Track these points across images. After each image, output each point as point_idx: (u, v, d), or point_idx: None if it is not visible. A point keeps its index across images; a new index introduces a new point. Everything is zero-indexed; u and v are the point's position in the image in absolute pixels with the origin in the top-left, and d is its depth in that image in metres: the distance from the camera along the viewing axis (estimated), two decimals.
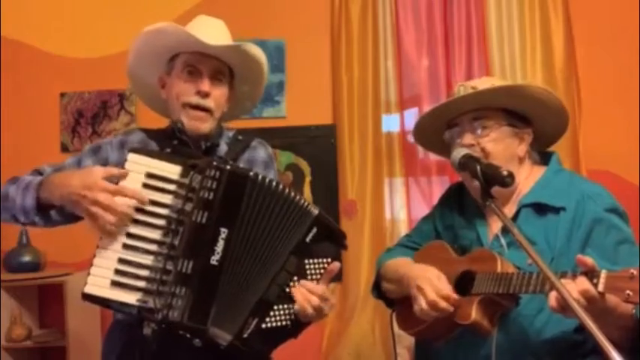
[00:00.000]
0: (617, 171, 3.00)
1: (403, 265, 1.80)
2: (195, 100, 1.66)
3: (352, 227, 3.10)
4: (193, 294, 1.41)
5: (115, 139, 1.75)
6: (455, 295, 1.59)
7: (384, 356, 2.99)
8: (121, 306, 1.42)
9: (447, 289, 1.60)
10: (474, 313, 1.56)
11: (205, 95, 1.67)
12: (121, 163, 1.51)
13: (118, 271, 1.41)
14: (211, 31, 1.70)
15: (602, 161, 3.01)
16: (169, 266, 1.42)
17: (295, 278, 1.51)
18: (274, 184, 1.50)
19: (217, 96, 1.70)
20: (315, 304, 1.49)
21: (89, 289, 1.40)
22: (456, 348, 1.67)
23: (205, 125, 1.68)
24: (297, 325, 1.52)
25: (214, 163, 1.46)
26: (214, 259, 1.43)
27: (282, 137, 3.20)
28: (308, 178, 3.19)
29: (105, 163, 1.65)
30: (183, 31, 1.64)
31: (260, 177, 1.49)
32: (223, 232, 1.44)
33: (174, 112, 1.71)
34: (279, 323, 1.48)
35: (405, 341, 2.61)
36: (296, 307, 1.49)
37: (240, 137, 1.81)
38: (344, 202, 3.14)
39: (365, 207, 3.12)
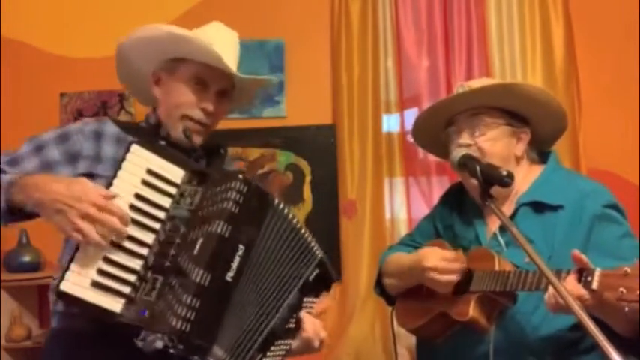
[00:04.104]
0: (617, 171, 3.00)
1: (403, 257, 1.81)
2: (198, 115, 1.58)
3: (352, 227, 3.10)
4: (206, 308, 1.30)
5: (86, 127, 1.56)
6: (460, 253, 1.64)
7: (384, 356, 2.99)
8: (102, 312, 1.28)
9: (450, 253, 1.66)
10: (472, 311, 1.58)
11: (209, 114, 1.59)
12: (95, 157, 1.49)
13: (102, 272, 1.30)
14: (228, 49, 1.61)
15: (602, 161, 3.02)
16: (156, 274, 1.32)
17: (294, 315, 1.51)
18: (291, 214, 1.47)
19: (219, 112, 1.63)
20: (323, 338, 1.54)
21: (66, 287, 1.27)
22: (454, 345, 1.68)
23: (200, 139, 1.61)
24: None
25: (240, 176, 1.38)
26: (229, 275, 1.35)
27: (282, 137, 3.20)
28: (308, 178, 3.19)
29: (76, 155, 1.52)
30: (212, 50, 1.54)
31: (278, 201, 1.45)
32: (241, 248, 1.37)
33: (169, 117, 1.60)
34: (276, 359, 1.48)
35: (406, 341, 2.62)
36: (303, 335, 1.51)
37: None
38: (344, 202, 3.14)
39: (365, 207, 3.12)
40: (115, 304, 1.29)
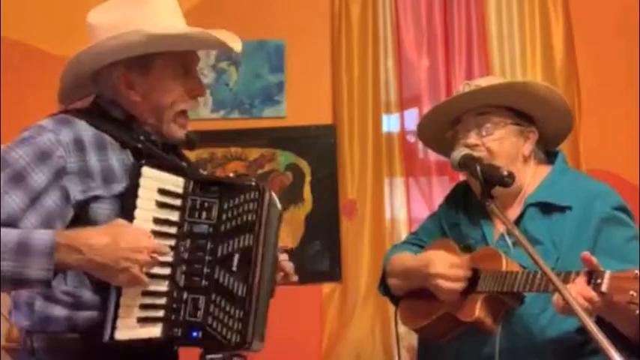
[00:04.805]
0: (617, 171, 2.99)
1: (408, 258, 1.81)
2: (192, 104, 1.51)
3: (352, 227, 3.10)
4: (249, 315, 1.37)
5: (61, 136, 1.37)
6: (466, 259, 1.63)
7: (384, 356, 2.99)
8: (146, 342, 1.31)
9: (458, 259, 1.65)
10: (478, 311, 1.57)
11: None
12: (82, 171, 1.35)
13: (142, 306, 1.31)
14: (178, 18, 1.52)
15: (602, 161, 3.01)
16: (195, 294, 1.35)
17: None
18: (274, 194, 1.50)
19: None
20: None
21: (120, 335, 1.28)
22: (459, 346, 1.68)
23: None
24: None
25: (253, 184, 1.42)
26: (257, 277, 1.39)
27: (282, 137, 3.19)
28: (308, 178, 3.19)
29: (61, 172, 1.34)
30: (215, 38, 1.45)
31: (273, 194, 1.48)
32: (260, 249, 1.41)
33: (160, 118, 1.47)
34: None
35: (406, 341, 2.61)
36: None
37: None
38: (344, 202, 3.14)
39: (365, 207, 3.11)
40: (154, 331, 1.32)
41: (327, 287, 3.08)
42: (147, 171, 1.35)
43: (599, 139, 3.06)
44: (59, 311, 1.36)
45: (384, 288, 1.94)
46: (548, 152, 1.79)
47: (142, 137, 1.45)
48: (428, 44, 3.22)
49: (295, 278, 1.64)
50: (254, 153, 3.18)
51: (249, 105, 3.19)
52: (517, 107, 1.70)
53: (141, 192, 1.33)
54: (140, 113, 1.48)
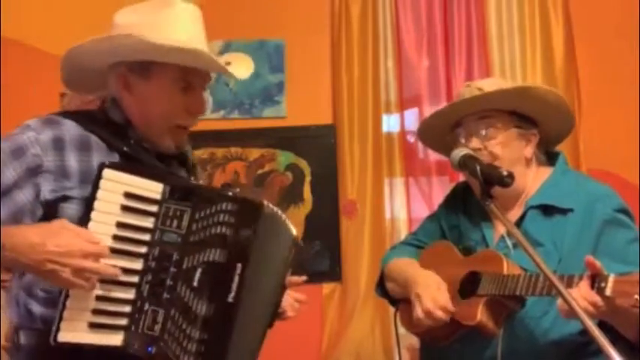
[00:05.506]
0: (617, 171, 3.00)
1: (408, 266, 1.80)
2: (191, 122, 1.47)
3: (352, 227, 3.10)
4: (214, 337, 1.28)
5: (42, 135, 1.35)
6: (451, 307, 1.60)
7: (384, 356, 2.99)
8: (105, 349, 1.26)
9: (445, 299, 1.61)
10: (480, 314, 1.56)
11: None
12: (59, 170, 1.33)
13: (96, 311, 1.25)
14: (202, 40, 1.46)
15: (602, 161, 3.01)
16: (155, 307, 1.28)
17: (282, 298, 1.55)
18: (279, 213, 1.42)
19: None
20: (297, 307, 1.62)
21: (64, 337, 1.22)
22: (461, 349, 1.67)
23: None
24: None
25: (230, 194, 1.33)
26: (230, 297, 1.30)
27: (282, 137, 3.19)
28: (308, 178, 3.19)
29: (36, 169, 1.33)
30: (216, 62, 1.43)
31: (271, 206, 1.39)
32: (239, 267, 1.30)
33: (152, 127, 1.44)
34: None
35: (405, 341, 2.61)
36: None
37: None
38: (344, 202, 3.14)
39: (365, 207, 3.11)
40: (116, 339, 1.27)
41: (327, 287, 3.09)
42: (108, 173, 1.29)
43: (599, 139, 3.06)
44: (36, 308, 1.35)
45: (382, 290, 1.93)
46: (548, 153, 1.78)
47: (132, 141, 1.42)
48: (428, 44, 3.22)
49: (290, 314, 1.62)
50: (254, 153, 3.18)
51: (249, 105, 3.19)
52: (520, 111, 1.69)
53: (100, 194, 1.28)
54: (132, 116, 1.45)
